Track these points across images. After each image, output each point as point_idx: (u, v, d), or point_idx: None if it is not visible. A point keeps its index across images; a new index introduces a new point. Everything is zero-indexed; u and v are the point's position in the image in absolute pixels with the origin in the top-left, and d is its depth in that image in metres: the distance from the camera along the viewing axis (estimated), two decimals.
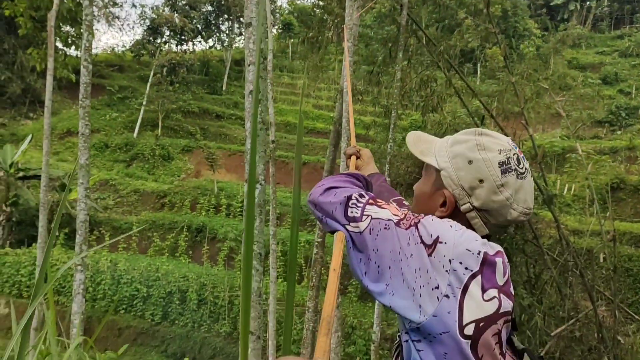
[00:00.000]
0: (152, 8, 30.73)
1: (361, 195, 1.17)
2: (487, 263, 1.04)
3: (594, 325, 5.53)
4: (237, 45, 35.78)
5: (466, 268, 1.02)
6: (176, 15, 30.42)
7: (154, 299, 14.08)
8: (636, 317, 6.03)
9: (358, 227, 1.10)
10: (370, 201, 1.15)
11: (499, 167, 1.13)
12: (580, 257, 5.80)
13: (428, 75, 6.84)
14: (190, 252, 17.20)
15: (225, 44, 34.36)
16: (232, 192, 19.71)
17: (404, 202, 1.61)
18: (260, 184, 2.81)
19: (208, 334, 13.40)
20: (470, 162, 1.17)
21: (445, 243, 1.03)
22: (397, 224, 1.07)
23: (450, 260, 1.01)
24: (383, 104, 8.17)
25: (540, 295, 5.83)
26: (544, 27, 42.84)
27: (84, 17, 5.31)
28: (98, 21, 30.83)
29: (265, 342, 7.85)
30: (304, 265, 15.07)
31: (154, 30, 29.63)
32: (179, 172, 24.02)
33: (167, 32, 30.22)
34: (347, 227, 1.12)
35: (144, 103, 26.42)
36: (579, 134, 24.76)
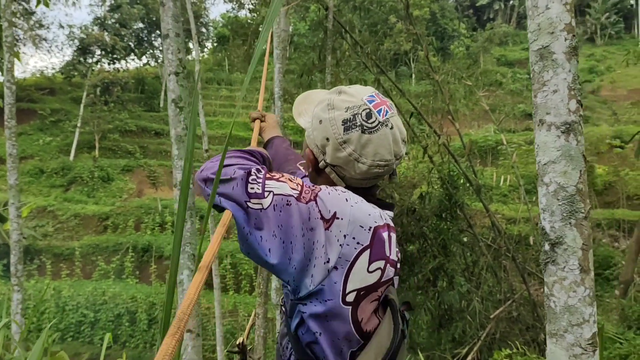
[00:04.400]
0: (81, 28, 29.81)
1: (258, 170, 1.14)
2: (377, 237, 1.13)
3: (529, 304, 5.81)
4: None
5: (358, 243, 1.10)
6: (106, 34, 29.73)
7: (102, 323, 13.74)
8: None
9: (261, 204, 1.07)
10: (268, 175, 1.13)
11: (342, 124, 1.17)
12: (512, 242, 6.08)
13: (357, 77, 7.01)
14: (138, 273, 16.83)
15: (160, 60, 33.80)
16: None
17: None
18: (190, 188, 2.86)
19: None
20: (320, 122, 1.22)
21: (342, 219, 1.09)
22: (298, 198, 1.10)
23: (345, 236, 1.09)
24: None
25: (478, 281, 6.07)
26: (471, 27, 44.40)
27: (4, 39, 5.24)
28: (24, 44, 29.71)
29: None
30: (253, 275, 15.02)
31: (84, 50, 28.87)
32: (121, 193, 23.46)
33: (98, 52, 29.50)
34: (249, 203, 1.08)
35: (79, 125, 25.73)
36: (511, 127, 25.77)
